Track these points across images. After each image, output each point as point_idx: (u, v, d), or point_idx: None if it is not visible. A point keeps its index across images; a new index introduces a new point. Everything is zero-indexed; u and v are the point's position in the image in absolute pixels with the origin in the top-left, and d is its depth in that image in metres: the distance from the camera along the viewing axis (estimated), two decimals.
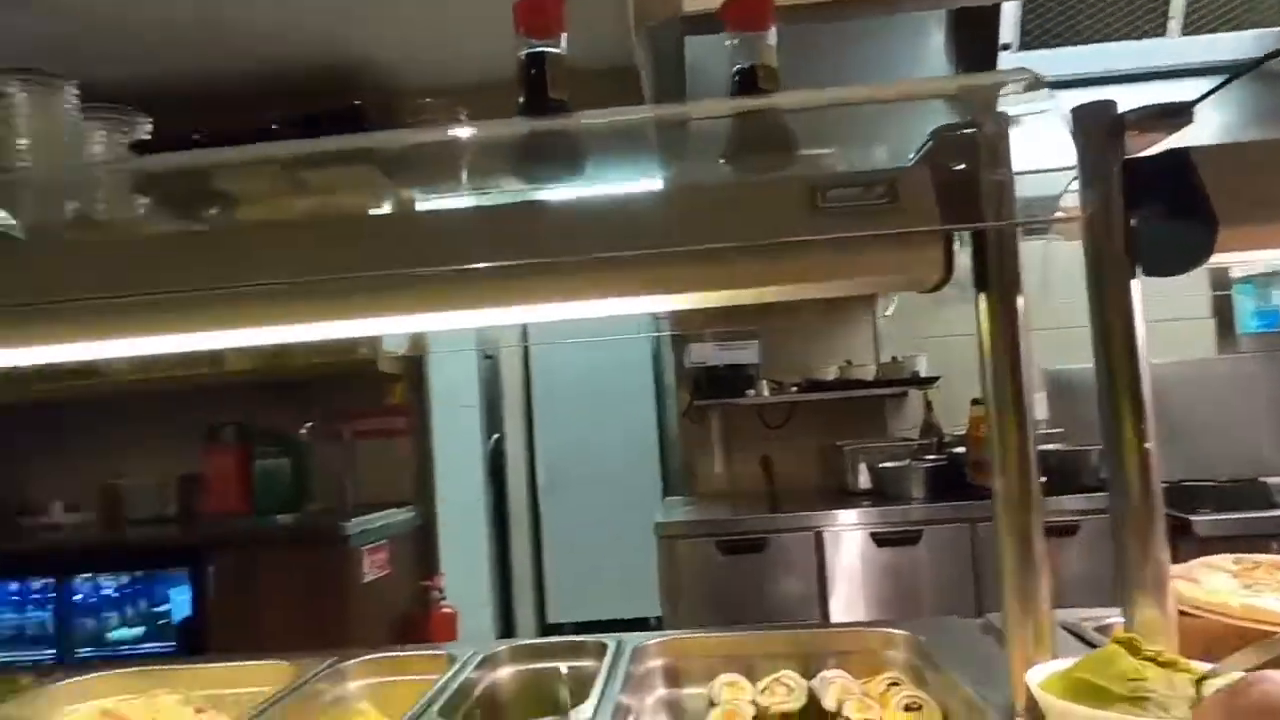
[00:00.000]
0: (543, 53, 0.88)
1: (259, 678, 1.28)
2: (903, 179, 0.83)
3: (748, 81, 0.90)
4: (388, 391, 3.81)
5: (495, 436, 5.26)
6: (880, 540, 2.79)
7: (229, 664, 1.31)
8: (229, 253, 0.89)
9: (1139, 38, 2.78)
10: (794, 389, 3.42)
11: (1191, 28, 2.75)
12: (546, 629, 5.26)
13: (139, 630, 3.37)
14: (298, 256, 0.87)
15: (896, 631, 1.21)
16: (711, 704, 1.12)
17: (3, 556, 3.31)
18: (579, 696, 1.02)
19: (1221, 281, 3.50)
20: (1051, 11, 2.77)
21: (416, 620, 3.49)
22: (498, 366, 5.41)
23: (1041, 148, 0.89)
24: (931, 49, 3.05)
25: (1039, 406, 3.42)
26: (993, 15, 2.78)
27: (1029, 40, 2.83)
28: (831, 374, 3.40)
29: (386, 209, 0.94)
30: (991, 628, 1.21)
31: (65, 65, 0.95)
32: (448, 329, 0.96)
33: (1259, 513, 2.61)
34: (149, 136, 0.95)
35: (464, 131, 0.86)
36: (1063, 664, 0.80)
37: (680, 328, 3.66)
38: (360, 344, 3.30)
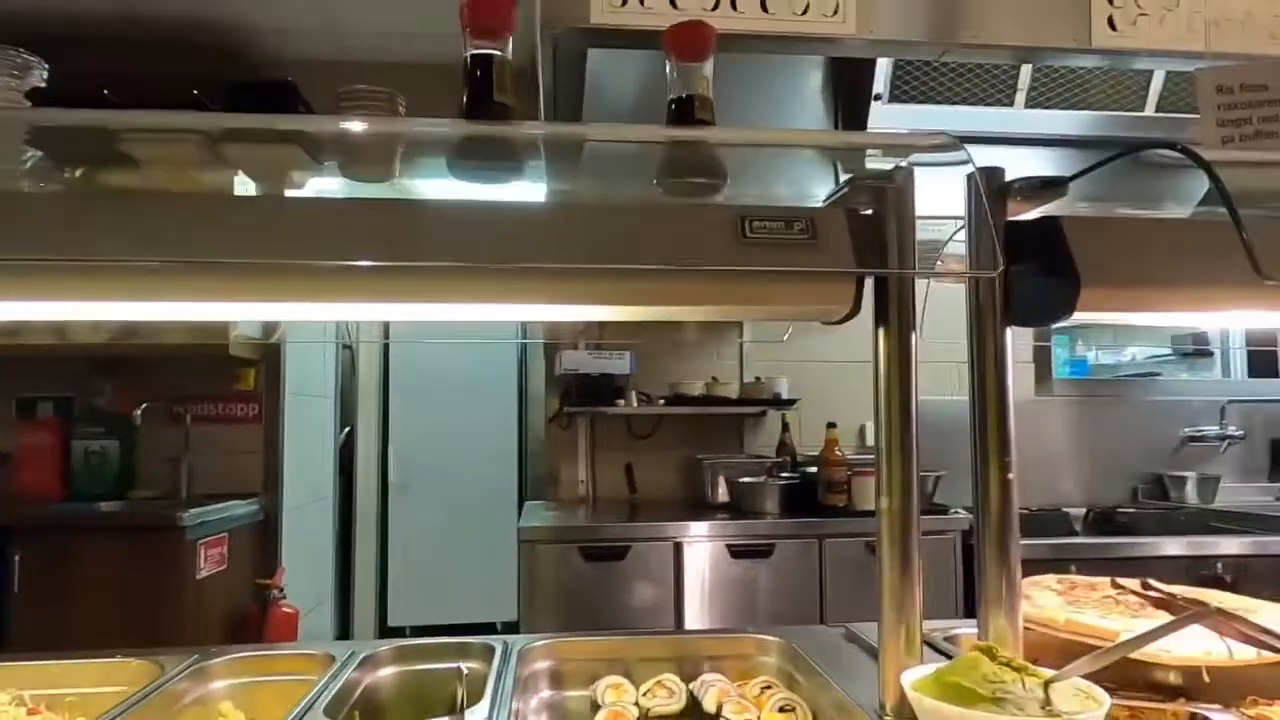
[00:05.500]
0: (490, 55, 0.89)
1: (105, 676, 1.18)
2: (821, 218, 0.90)
3: (684, 110, 0.94)
4: (238, 377, 3.58)
5: (346, 430, 5.04)
6: (735, 552, 2.91)
7: (70, 661, 1.20)
8: (95, 220, 0.84)
9: (990, 105, 3.09)
10: (661, 401, 3.52)
11: (1034, 103, 3.10)
12: (386, 632, 5.10)
13: None
14: (164, 232, 0.83)
15: (769, 638, 1.28)
16: (595, 706, 1.15)
17: None
18: (466, 698, 1.02)
19: (1042, 332, 3.91)
20: (919, 71, 3.02)
21: (253, 619, 3.29)
22: (354, 357, 5.20)
23: (935, 194, 0.99)
24: (809, 91, 3.25)
25: None
26: (867, 67, 3.01)
27: (898, 94, 3.07)
28: (698, 389, 3.52)
29: (307, 191, 0.91)
30: (854, 636, 1.31)
31: None
32: (330, 319, 0.94)
33: (1062, 539, 2.94)
34: (44, 84, 0.87)
35: (405, 126, 0.85)
36: (929, 668, 0.89)
37: (555, 336, 3.67)
38: (217, 327, 3.10)
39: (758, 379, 3.59)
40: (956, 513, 2.95)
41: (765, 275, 0.85)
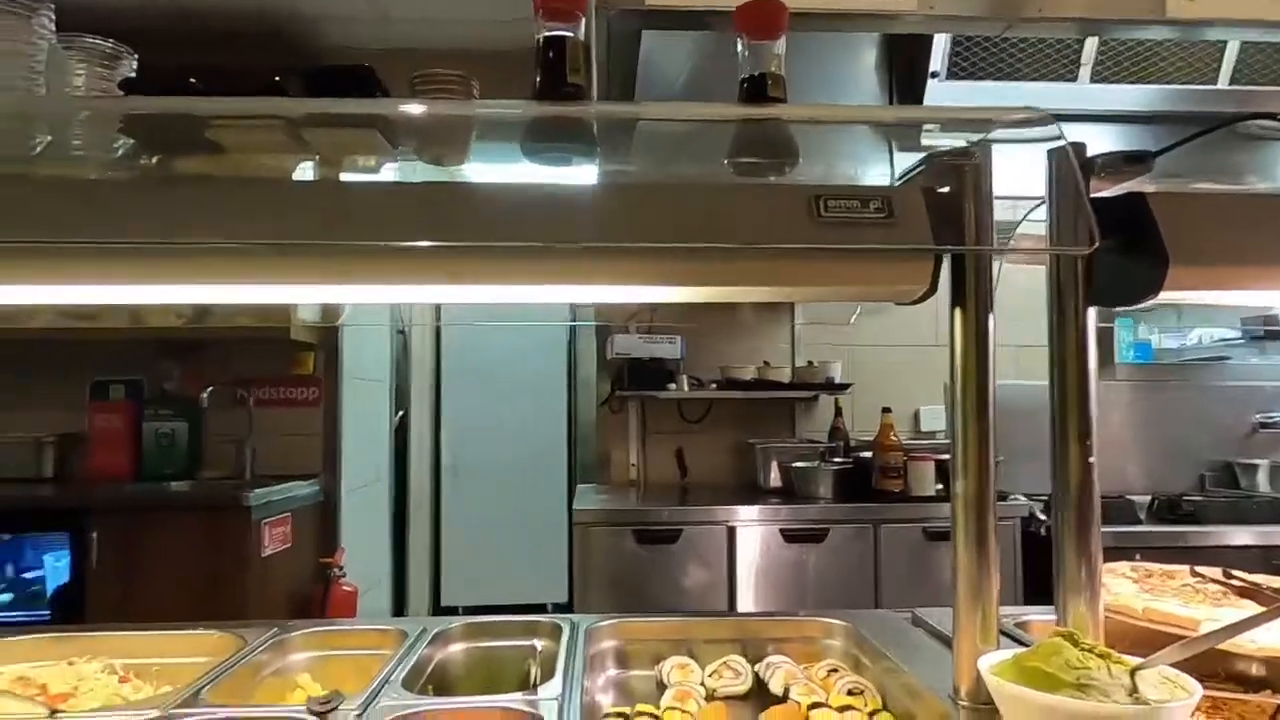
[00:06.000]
0: (562, 37, 0.89)
1: (189, 647, 1.23)
2: (898, 197, 0.89)
3: (757, 88, 0.93)
4: (297, 361, 3.66)
5: (400, 413, 5.14)
6: (789, 536, 2.90)
7: (157, 632, 1.25)
8: (172, 206, 0.86)
9: (1054, 80, 2.99)
10: (713, 386, 3.51)
11: (1100, 77, 2.99)
12: (439, 611, 5.20)
13: (6, 597, 3.13)
14: (238, 217, 0.85)
15: (835, 621, 1.27)
16: (660, 685, 1.16)
17: None
18: (537, 674, 1.04)
19: (1103, 313, 3.79)
20: (978, 47, 2.94)
21: (315, 596, 3.39)
22: (408, 342, 5.29)
23: (1008, 174, 0.97)
24: (863, 69, 3.19)
25: (941, 418, 3.63)
26: (924, 44, 2.94)
27: (955, 71, 3.00)
28: (749, 374, 3.50)
29: (386, 175, 0.92)
30: (920, 620, 1.30)
31: None
32: (397, 301, 0.95)
33: (1126, 527, 2.86)
34: (134, 74, 0.89)
35: (482, 108, 0.85)
36: (1006, 653, 0.87)
37: (606, 318, 3.67)
38: (280, 310, 3.17)
39: (810, 363, 3.56)
40: (1015, 499, 2.89)
41: (841, 254, 0.84)
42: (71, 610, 2.85)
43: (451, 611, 5.17)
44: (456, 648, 1.20)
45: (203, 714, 0.93)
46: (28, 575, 3.19)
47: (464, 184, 0.97)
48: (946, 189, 0.91)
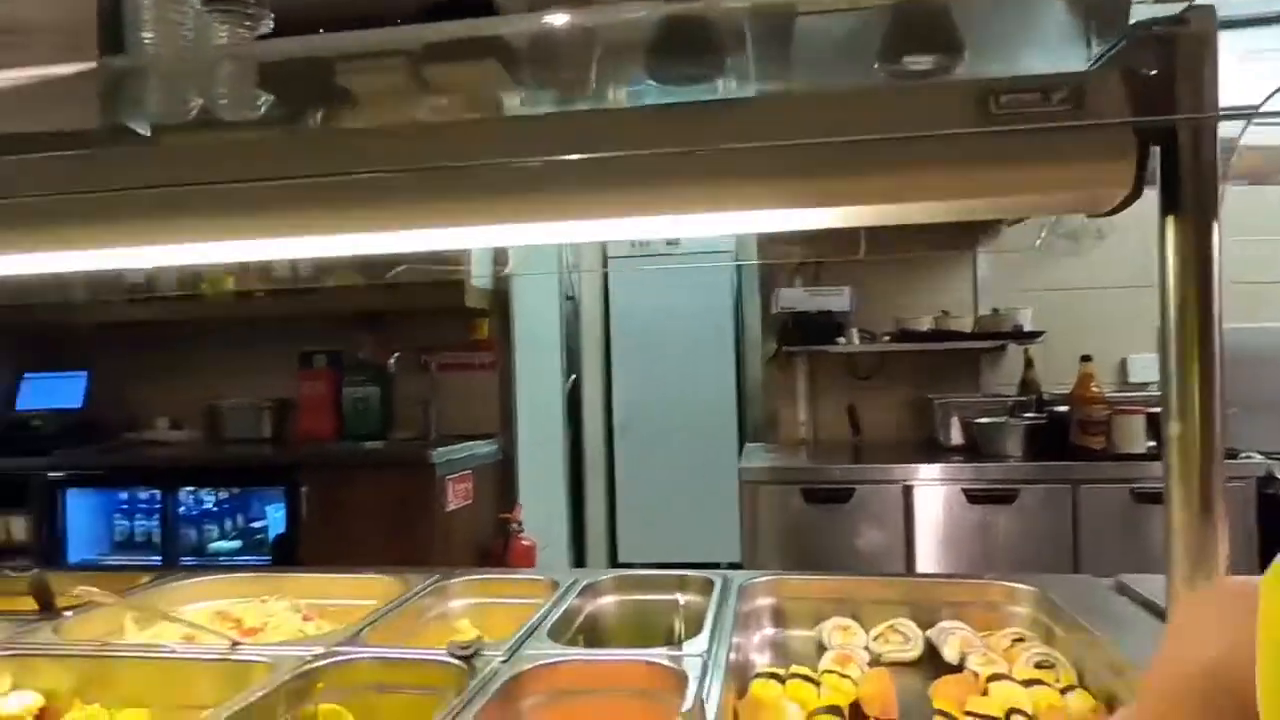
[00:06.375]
0: None
1: (361, 590, 1.29)
2: (1090, 85, 0.74)
3: None
4: (473, 327, 3.83)
5: (573, 377, 5.28)
6: (973, 497, 2.69)
7: (334, 575, 1.33)
8: (317, 155, 0.87)
9: None
10: (886, 338, 3.30)
11: None
12: (616, 568, 5.34)
13: (236, 543, 3.54)
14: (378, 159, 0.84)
15: (1021, 585, 1.14)
16: (821, 647, 1.08)
17: (114, 468, 3.49)
18: (686, 629, 0.99)
19: None
20: None
21: (496, 550, 3.56)
22: (578, 308, 5.41)
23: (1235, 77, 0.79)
24: None
25: (1154, 367, 3.22)
26: None
27: None
28: (926, 324, 3.26)
29: (507, 109, 0.89)
30: (1127, 588, 1.13)
31: None
32: (549, 240, 0.91)
33: None
34: (270, 31, 0.92)
35: (599, 16, 0.79)
36: None
37: (771, 255, 3.52)
38: (450, 268, 3.30)
39: (995, 311, 3.26)
40: (1249, 456, 2.51)
41: (1020, 152, 0.72)
42: (288, 556, 3.16)
43: (628, 569, 5.29)
44: (606, 600, 1.19)
45: (359, 651, 0.97)
46: (254, 524, 3.59)
47: (596, 110, 0.92)
48: (1154, 71, 0.75)
